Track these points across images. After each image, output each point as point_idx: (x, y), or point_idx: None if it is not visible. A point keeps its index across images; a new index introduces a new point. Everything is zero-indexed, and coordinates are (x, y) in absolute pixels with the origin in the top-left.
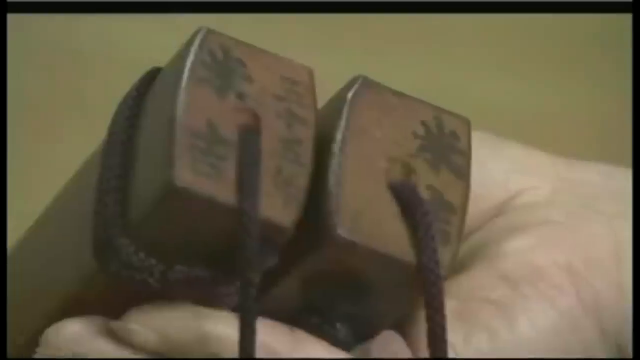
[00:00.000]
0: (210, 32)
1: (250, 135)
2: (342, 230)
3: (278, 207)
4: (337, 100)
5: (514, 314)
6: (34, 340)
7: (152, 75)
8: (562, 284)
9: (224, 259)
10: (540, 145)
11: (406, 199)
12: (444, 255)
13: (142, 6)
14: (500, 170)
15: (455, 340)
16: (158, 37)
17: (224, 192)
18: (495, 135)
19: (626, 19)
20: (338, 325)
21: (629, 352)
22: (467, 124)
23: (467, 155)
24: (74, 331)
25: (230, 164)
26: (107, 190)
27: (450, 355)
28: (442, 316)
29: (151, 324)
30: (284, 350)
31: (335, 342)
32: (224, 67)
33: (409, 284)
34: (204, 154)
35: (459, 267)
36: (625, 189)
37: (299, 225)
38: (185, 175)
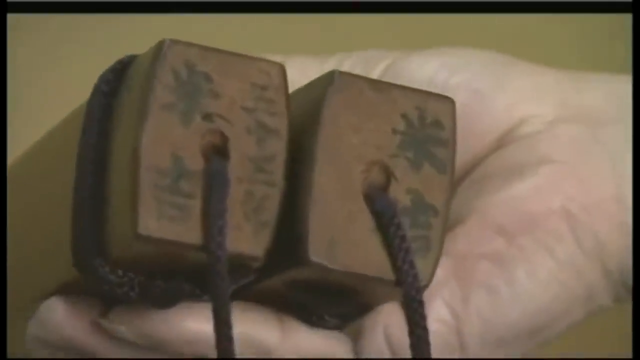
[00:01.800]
0: (173, 46)
1: (216, 164)
2: (315, 257)
3: (248, 239)
4: (312, 99)
5: (512, 268)
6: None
7: (125, 65)
8: (560, 231)
9: (200, 276)
10: None
11: (381, 214)
12: (425, 264)
13: (143, 6)
14: (504, 100)
15: (454, 301)
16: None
17: (190, 233)
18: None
19: (626, 19)
20: (327, 317)
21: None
22: (451, 106)
23: (450, 143)
24: (63, 317)
25: (197, 200)
26: (82, 205)
27: (450, 318)
28: (426, 330)
29: (136, 325)
30: (272, 341)
31: (326, 328)
32: (189, 86)
33: (393, 291)
34: (169, 193)
35: (455, 217)
36: (629, 109)
37: (275, 245)
38: (149, 223)
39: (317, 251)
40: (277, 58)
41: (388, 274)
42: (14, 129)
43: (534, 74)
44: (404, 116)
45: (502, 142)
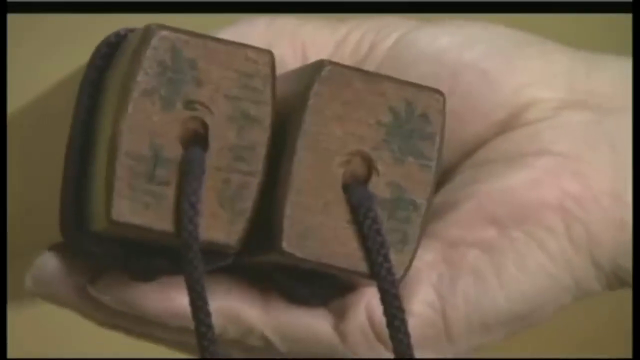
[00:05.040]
0: (159, 31)
1: (193, 153)
2: (288, 247)
3: (223, 228)
4: (300, 88)
5: (502, 258)
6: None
7: (122, 38)
8: (553, 225)
9: (178, 254)
10: None
11: (358, 206)
12: (401, 258)
13: (143, 6)
14: (512, 82)
15: (441, 284)
16: None
17: (163, 221)
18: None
19: (626, 19)
20: (309, 295)
21: (629, 281)
22: (441, 100)
23: (437, 138)
24: (55, 274)
25: (172, 188)
26: (70, 178)
27: (436, 300)
28: (404, 322)
29: (121, 296)
30: (254, 317)
31: (309, 306)
32: (172, 72)
33: (370, 281)
34: (145, 180)
35: (451, 200)
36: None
37: (255, 231)
38: (123, 209)
39: (290, 241)
40: (292, 20)
41: (362, 266)
42: None
43: (546, 55)
44: (391, 109)
45: (506, 126)
